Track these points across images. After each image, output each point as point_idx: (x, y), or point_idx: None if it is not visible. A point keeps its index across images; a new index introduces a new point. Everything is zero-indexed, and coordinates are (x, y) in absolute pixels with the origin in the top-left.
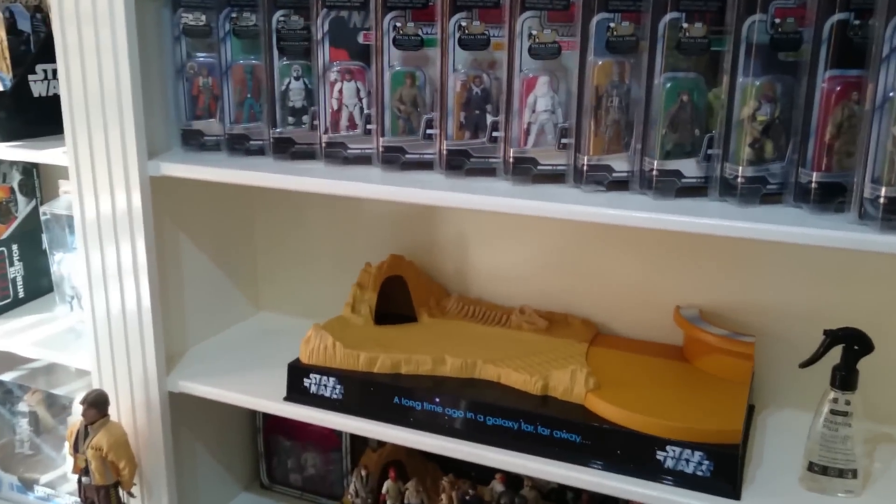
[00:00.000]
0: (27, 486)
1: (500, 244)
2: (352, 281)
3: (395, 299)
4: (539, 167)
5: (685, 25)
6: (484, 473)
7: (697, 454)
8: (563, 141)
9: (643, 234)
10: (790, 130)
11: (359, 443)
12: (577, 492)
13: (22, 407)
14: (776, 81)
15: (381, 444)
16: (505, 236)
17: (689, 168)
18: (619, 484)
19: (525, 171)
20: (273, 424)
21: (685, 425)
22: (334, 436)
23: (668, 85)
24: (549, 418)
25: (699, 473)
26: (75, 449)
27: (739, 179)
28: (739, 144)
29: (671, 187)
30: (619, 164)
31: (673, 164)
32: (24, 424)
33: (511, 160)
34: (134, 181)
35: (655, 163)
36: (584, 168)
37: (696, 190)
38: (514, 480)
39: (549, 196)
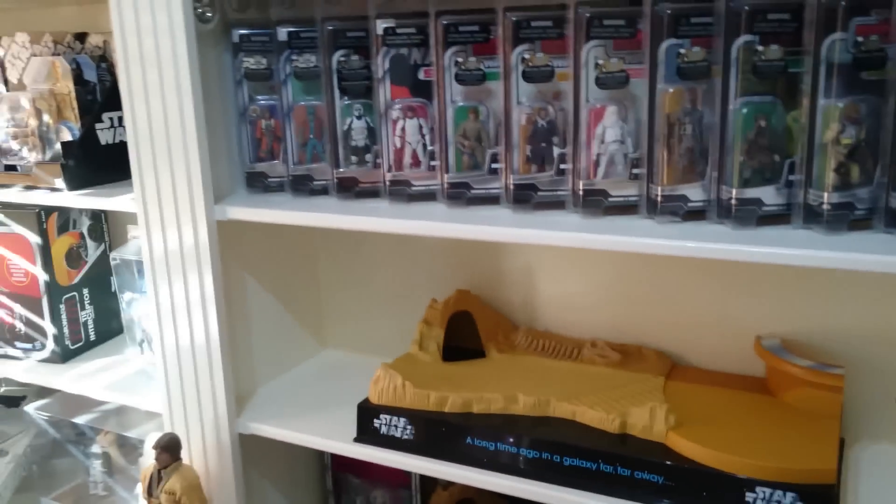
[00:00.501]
0: None
1: (567, 274)
2: (416, 316)
3: (461, 334)
4: (610, 199)
5: (760, 48)
6: None
7: (790, 496)
8: (635, 171)
9: (718, 262)
10: (877, 153)
11: (428, 480)
12: None
13: (95, 448)
14: (860, 102)
15: (451, 482)
16: (572, 266)
17: (770, 195)
18: None
19: (596, 203)
20: (342, 462)
21: (776, 464)
22: (403, 474)
23: (745, 110)
24: (630, 458)
25: None
26: (149, 493)
27: (825, 206)
28: (823, 169)
29: (752, 216)
30: (695, 194)
31: (752, 192)
32: (97, 466)
33: (581, 192)
34: (201, 225)
35: (734, 191)
36: (658, 198)
37: (777, 218)
38: None
39: (622, 229)
